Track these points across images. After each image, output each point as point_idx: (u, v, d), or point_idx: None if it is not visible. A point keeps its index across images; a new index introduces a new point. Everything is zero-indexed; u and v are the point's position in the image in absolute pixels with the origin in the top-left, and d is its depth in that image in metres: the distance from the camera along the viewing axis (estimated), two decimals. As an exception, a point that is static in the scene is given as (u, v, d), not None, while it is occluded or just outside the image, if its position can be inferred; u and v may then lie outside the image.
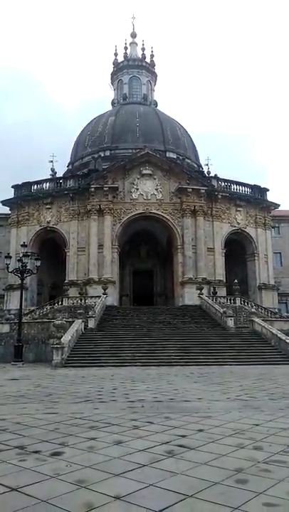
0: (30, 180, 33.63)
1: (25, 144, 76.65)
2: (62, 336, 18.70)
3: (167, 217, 31.16)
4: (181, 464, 4.11)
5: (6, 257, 23.07)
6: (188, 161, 37.73)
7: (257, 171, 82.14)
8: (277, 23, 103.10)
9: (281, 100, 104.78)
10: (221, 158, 79.80)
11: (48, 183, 33.72)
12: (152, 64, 47.68)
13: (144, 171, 31.24)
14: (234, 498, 3.22)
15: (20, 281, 22.30)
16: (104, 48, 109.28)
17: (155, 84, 48.17)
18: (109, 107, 44.75)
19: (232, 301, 27.98)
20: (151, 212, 31.05)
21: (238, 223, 33.08)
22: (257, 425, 5.83)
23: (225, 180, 33.91)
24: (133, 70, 46.07)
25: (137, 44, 48.51)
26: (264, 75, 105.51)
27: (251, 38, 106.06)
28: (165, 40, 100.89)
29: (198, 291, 28.30)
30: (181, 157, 36.60)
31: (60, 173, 38.06)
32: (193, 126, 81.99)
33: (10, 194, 33.94)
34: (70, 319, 22.05)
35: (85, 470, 3.93)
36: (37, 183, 33.70)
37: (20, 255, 22.95)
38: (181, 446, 4.74)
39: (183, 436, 5.22)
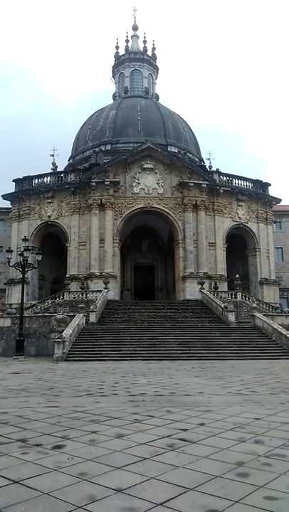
0: (31, 174, 33.53)
1: (21, 136, 76.20)
2: (63, 330, 18.75)
3: (168, 211, 31.09)
4: (182, 457, 4.13)
5: (7, 251, 23.10)
6: (190, 155, 37.55)
7: (256, 166, 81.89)
8: (277, 18, 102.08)
9: (280, 95, 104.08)
10: (220, 152, 79.37)
11: (49, 177, 33.63)
12: (154, 57, 47.34)
13: (146, 165, 31.13)
14: (235, 492, 3.24)
15: (21, 276, 22.33)
16: (104, 41, 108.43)
17: (157, 78, 47.87)
18: (108, 100, 44.55)
19: (233, 295, 28.00)
20: (152, 207, 30.97)
21: (240, 218, 33.00)
22: (258, 419, 5.85)
23: (226, 175, 33.79)
24: (134, 63, 45.74)
25: (138, 37, 48.15)
26: (264, 70, 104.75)
27: (252, 31, 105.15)
28: (167, 33, 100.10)
29: (200, 286, 28.31)
30: (182, 151, 36.42)
31: (58, 166, 37.90)
32: (195, 120, 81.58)
33: (8, 187, 33.88)
34: (72, 313, 22.11)
35: (87, 463, 3.96)
36: (38, 177, 33.61)
37: (22, 249, 22.94)
38: (182, 439, 4.77)
39: (184, 430, 5.24)
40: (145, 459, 4.06)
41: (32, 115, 79.84)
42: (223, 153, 73.10)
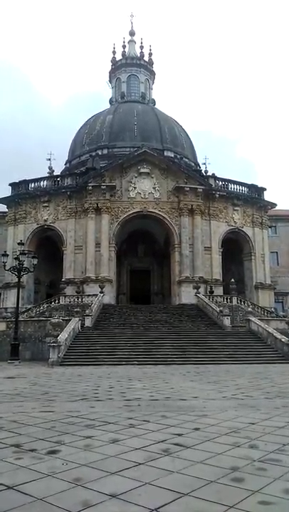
0: (26, 178, 33.54)
1: (12, 137, 76.27)
2: (58, 335, 18.68)
3: (165, 216, 31.15)
4: (177, 462, 4.12)
5: (2, 255, 23.01)
6: (186, 160, 37.72)
7: (248, 170, 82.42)
8: (269, 26, 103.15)
9: (271, 99, 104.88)
10: (211, 156, 79.93)
11: (45, 181, 33.63)
12: (150, 62, 47.61)
13: (142, 170, 31.21)
14: (230, 497, 3.24)
15: (17, 280, 22.25)
16: (99, 45, 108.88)
17: (153, 83, 48.11)
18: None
19: (228, 300, 28.03)
20: (148, 211, 31.03)
21: (235, 222, 33.12)
22: (253, 424, 5.86)
23: (222, 180, 33.94)
24: (131, 69, 45.98)
25: (135, 42, 48.40)
26: (255, 73, 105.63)
27: (248, 35, 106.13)
28: (163, 38, 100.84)
29: (195, 290, 28.33)
30: (178, 156, 36.59)
31: (54, 170, 37.87)
32: (191, 125, 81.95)
33: (2, 190, 33.86)
34: (67, 318, 22.04)
35: (81, 468, 3.94)
36: (34, 180, 33.60)
37: (17, 253, 22.89)
38: (177, 444, 4.76)
39: (179, 434, 5.24)
40: (140, 464, 4.05)
41: (22, 116, 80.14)
42: (214, 156, 73.52)
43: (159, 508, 3.05)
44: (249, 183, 34.91)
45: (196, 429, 5.55)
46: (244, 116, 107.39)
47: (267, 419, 6.24)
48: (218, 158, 76.42)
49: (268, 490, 3.40)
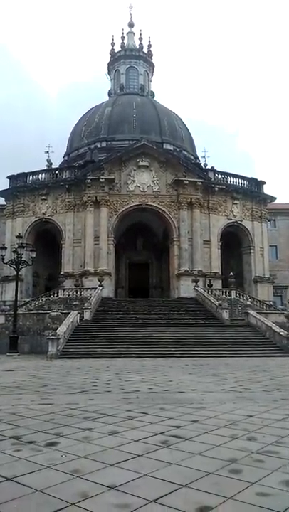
0: (25, 171, 33.34)
1: (7, 126, 75.75)
2: (57, 328, 18.70)
3: (163, 209, 31.06)
4: (176, 454, 4.13)
5: (1, 248, 22.93)
6: (185, 152, 37.53)
7: (247, 162, 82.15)
8: (269, 18, 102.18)
9: (270, 91, 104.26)
10: (210, 148, 79.47)
11: (43, 174, 33.43)
12: (150, 54, 47.16)
13: (141, 163, 31.05)
14: (228, 488, 3.25)
15: (15, 273, 22.22)
16: (96, 35, 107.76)
17: (152, 75, 47.71)
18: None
19: (227, 293, 28.07)
20: (147, 205, 30.92)
21: (235, 216, 33.04)
22: (251, 416, 5.88)
23: (222, 173, 33.78)
24: (130, 60, 45.54)
25: (134, 34, 47.91)
26: (259, 67, 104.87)
27: (247, 27, 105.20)
28: (163, 30, 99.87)
29: (194, 284, 28.34)
30: (178, 149, 36.40)
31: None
32: (189, 117, 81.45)
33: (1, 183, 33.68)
34: (66, 311, 22.04)
35: (80, 460, 3.95)
36: (32, 173, 33.39)
37: (16, 246, 22.82)
38: (175, 436, 4.78)
39: (177, 426, 5.25)
40: (138, 455, 4.07)
41: (19, 108, 79.59)
42: (213, 149, 73.22)
43: (157, 499, 3.06)
44: (249, 176, 34.79)
45: (195, 421, 5.58)
46: (243, 108, 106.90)
47: (265, 411, 6.27)
48: (217, 150, 76.11)
49: (265, 481, 3.41)
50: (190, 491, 3.23)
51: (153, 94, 45.25)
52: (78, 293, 26.91)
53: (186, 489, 3.25)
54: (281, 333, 19.95)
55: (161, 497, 3.09)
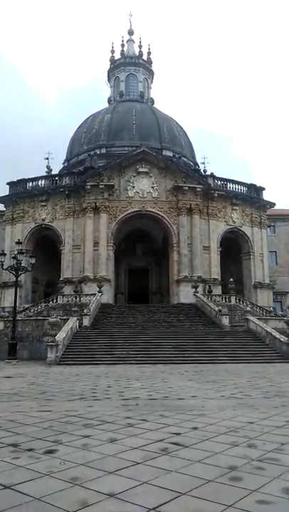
0: (25, 177, 33.47)
1: (5, 130, 76.26)
2: (56, 334, 18.65)
3: (163, 215, 31.13)
4: (176, 461, 4.11)
5: (0, 254, 22.94)
6: (185, 159, 37.69)
7: (248, 171, 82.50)
8: (270, 24, 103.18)
9: (268, 97, 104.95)
10: (212, 156, 79.99)
11: (43, 180, 33.55)
12: (149, 61, 47.56)
13: (140, 169, 31.17)
14: (228, 496, 3.22)
15: (14, 279, 22.19)
16: (96, 44, 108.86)
17: (152, 82, 48.07)
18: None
19: (227, 299, 28.03)
20: (147, 211, 30.99)
21: (234, 222, 33.11)
22: (251, 423, 5.85)
23: (221, 179, 33.91)
24: (130, 68, 45.94)
25: (134, 41, 48.37)
26: (257, 73, 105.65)
27: (247, 34, 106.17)
28: (162, 37, 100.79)
29: (194, 290, 28.32)
30: (177, 155, 36.54)
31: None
32: (188, 124, 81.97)
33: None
34: (65, 317, 22.00)
35: (79, 468, 3.92)
36: (32, 180, 33.53)
37: (15, 252, 22.82)
38: (175, 444, 4.75)
39: (177, 434, 5.22)
40: (138, 463, 4.04)
41: (18, 114, 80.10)
42: (212, 155, 73.58)
43: (157, 507, 3.03)
44: (248, 182, 34.91)
45: (195, 428, 5.54)
46: (241, 114, 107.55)
47: (265, 418, 6.23)
48: (216, 157, 76.53)
49: (266, 489, 3.38)
50: (190, 498, 3.20)
51: (152, 101, 45.55)
52: (77, 299, 26.86)
53: (186, 497, 3.23)
54: (281, 339, 19.90)
55: (160, 505, 3.07)
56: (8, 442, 4.85)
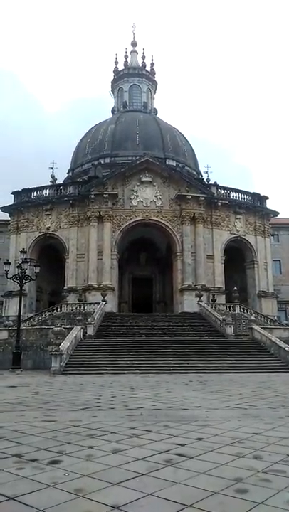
0: (30, 187, 33.73)
1: (7, 141, 77.02)
2: (60, 343, 18.61)
3: (167, 224, 31.21)
4: (180, 473, 4.07)
5: (5, 263, 23.04)
6: (188, 168, 37.87)
7: (250, 180, 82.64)
8: (271, 37, 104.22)
9: (270, 106, 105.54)
10: (214, 165, 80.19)
11: (47, 190, 33.81)
12: (152, 72, 48.09)
13: (144, 178, 31.35)
14: (233, 508, 3.19)
15: (19, 288, 22.25)
16: (99, 55, 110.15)
17: (155, 93, 48.54)
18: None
19: (231, 308, 27.91)
20: (150, 219, 31.10)
21: (238, 231, 33.13)
22: (256, 434, 5.79)
23: (224, 188, 34.02)
24: (133, 78, 46.46)
25: (137, 52, 48.99)
26: (258, 83, 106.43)
27: (248, 44, 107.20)
28: (165, 48, 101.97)
29: (198, 299, 28.24)
30: (180, 164, 36.73)
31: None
32: (191, 133, 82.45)
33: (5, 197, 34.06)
34: (69, 326, 21.97)
35: (83, 479, 3.90)
36: (37, 189, 33.80)
37: (20, 261, 22.93)
38: (180, 455, 4.71)
39: (182, 444, 5.18)
40: (142, 474, 4.01)
41: (21, 124, 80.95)
42: (214, 164, 73.87)
43: (161, 519, 3.00)
44: (251, 191, 35.00)
45: (199, 439, 5.49)
46: (243, 124, 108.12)
47: (271, 429, 6.17)
48: (218, 166, 76.75)
49: (272, 502, 3.34)
50: (195, 511, 3.17)
51: (156, 111, 45.95)
52: (81, 308, 26.85)
53: (191, 509, 3.19)
54: (286, 348, 19.77)
55: (165, 517, 3.04)
56: (12, 453, 4.83)
